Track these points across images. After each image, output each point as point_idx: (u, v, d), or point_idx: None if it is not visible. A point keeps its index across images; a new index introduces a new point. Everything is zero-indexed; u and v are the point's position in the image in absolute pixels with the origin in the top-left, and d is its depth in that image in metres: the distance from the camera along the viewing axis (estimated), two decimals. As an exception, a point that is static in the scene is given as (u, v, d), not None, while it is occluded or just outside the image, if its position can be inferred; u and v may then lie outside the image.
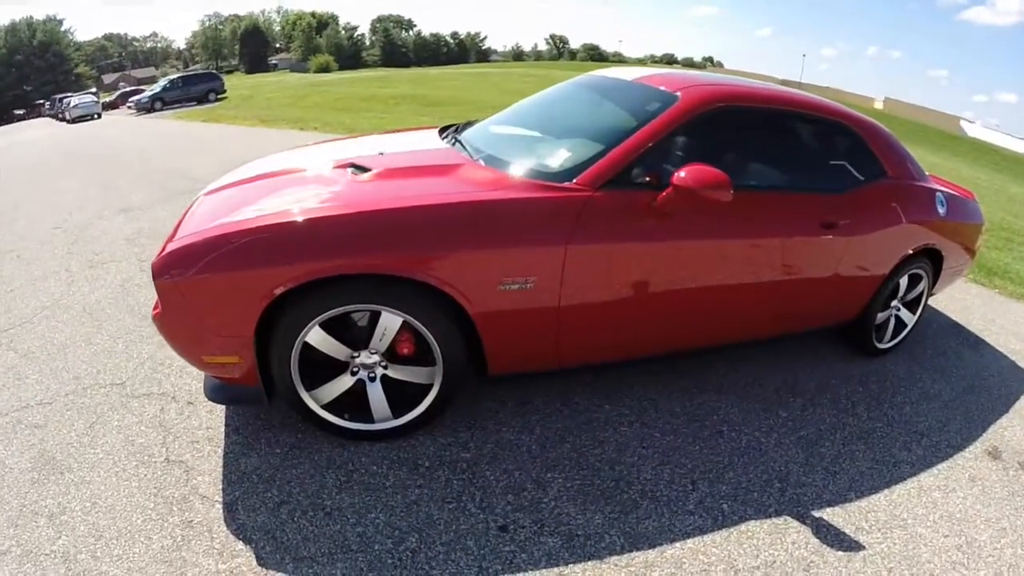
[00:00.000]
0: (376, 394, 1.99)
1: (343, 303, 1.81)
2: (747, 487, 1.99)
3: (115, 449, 2.13)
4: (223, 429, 2.22)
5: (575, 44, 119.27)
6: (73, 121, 25.17)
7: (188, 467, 2.04)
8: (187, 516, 1.81)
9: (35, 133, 20.50)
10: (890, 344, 2.95)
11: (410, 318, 1.85)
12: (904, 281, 2.80)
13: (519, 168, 2.09)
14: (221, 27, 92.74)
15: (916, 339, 3.18)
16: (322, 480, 1.94)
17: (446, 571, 1.60)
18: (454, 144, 2.45)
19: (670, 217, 2.00)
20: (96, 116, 25.90)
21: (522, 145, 2.40)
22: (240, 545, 1.70)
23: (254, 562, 1.64)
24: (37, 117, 39.56)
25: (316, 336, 1.87)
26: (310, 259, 1.73)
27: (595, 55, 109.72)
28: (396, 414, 2.04)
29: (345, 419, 2.03)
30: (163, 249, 1.88)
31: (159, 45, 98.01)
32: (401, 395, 2.03)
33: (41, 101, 43.56)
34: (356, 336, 1.93)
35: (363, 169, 2.15)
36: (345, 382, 2.00)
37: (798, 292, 2.39)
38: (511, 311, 1.88)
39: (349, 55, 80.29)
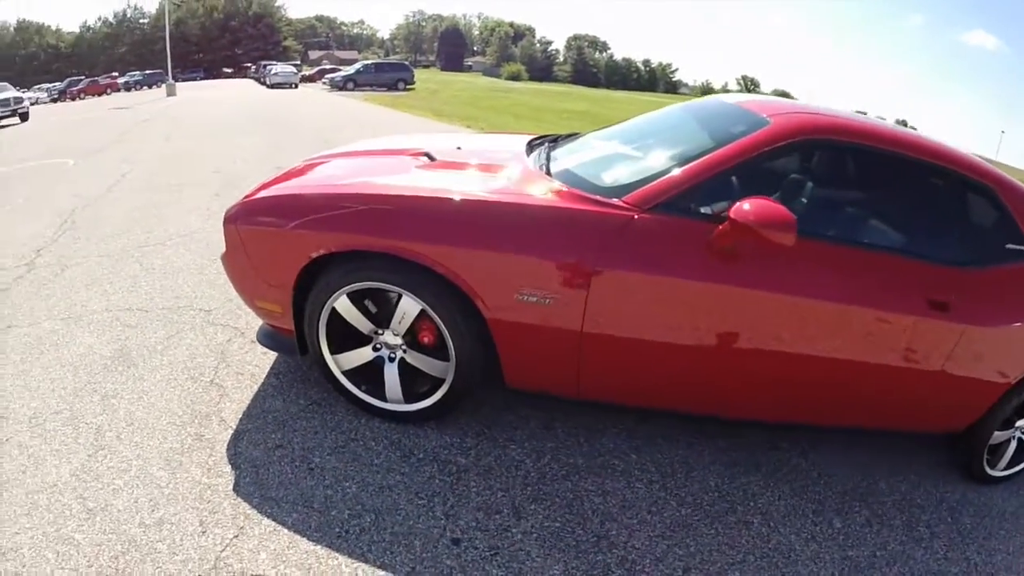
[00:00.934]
0: (391, 375, 2.03)
1: (366, 279, 1.88)
2: (750, 597, 1.70)
3: (177, 361, 2.44)
4: (267, 370, 2.42)
5: (766, 87, 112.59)
6: (272, 87, 28.00)
7: (224, 392, 2.27)
8: (201, 431, 2.05)
9: (235, 92, 24.28)
10: (1005, 473, 2.32)
11: (427, 307, 1.86)
12: None
13: (571, 177, 1.99)
14: (423, 24, 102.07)
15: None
16: (322, 439, 2.04)
17: (380, 560, 1.58)
18: (531, 149, 2.43)
19: (731, 259, 1.75)
20: (293, 86, 28.68)
21: (591, 158, 2.29)
22: (228, 468, 1.89)
23: (231, 486, 1.82)
24: (243, 78, 45.62)
25: (343, 304, 1.96)
26: (340, 231, 1.85)
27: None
28: (408, 399, 2.06)
29: (361, 390, 2.10)
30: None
31: (365, 32, 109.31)
32: (416, 383, 2.05)
33: (248, 64, 50.82)
34: (381, 315, 1.99)
35: (431, 158, 2.21)
36: (365, 354, 2.06)
37: (885, 381, 1.95)
38: (528, 325, 1.80)
39: (541, 67, 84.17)
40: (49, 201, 5.07)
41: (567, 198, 1.85)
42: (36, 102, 25.50)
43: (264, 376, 2.39)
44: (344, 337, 2.05)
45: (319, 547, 1.62)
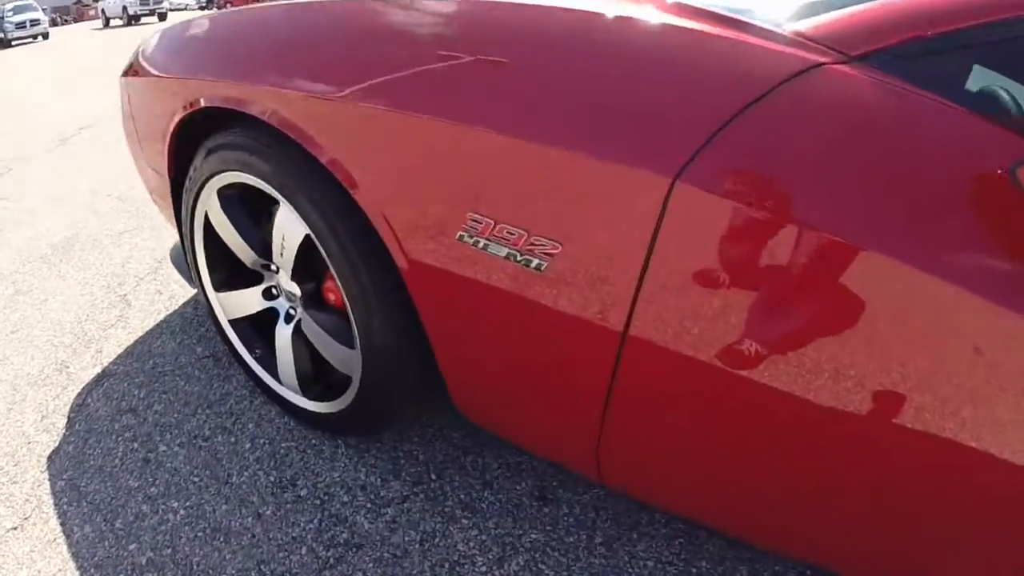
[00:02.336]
0: (283, 342, 1.15)
1: (230, 165, 1.02)
2: None
3: (109, 262, 2.01)
4: (193, 294, 1.72)
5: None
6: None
7: (125, 314, 1.75)
8: (70, 360, 1.55)
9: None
10: None
11: (311, 233, 0.93)
12: None
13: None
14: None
15: None
16: (186, 417, 1.31)
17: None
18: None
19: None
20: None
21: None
22: (62, 424, 1.37)
23: (48, 451, 1.30)
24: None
25: (215, 211, 1.12)
26: (194, 72, 1.07)
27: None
28: (305, 390, 1.17)
29: (254, 354, 1.27)
30: None
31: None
32: (325, 368, 1.15)
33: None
34: (266, 239, 1.10)
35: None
36: (252, 300, 1.21)
37: None
38: (488, 297, 0.77)
39: None
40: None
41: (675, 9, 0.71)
42: None
43: (184, 301, 1.68)
44: (233, 269, 1.22)
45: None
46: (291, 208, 0.94)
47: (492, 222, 0.71)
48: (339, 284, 0.92)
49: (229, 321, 1.26)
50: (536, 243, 0.68)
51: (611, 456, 0.78)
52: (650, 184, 0.59)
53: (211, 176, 1.10)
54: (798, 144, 0.57)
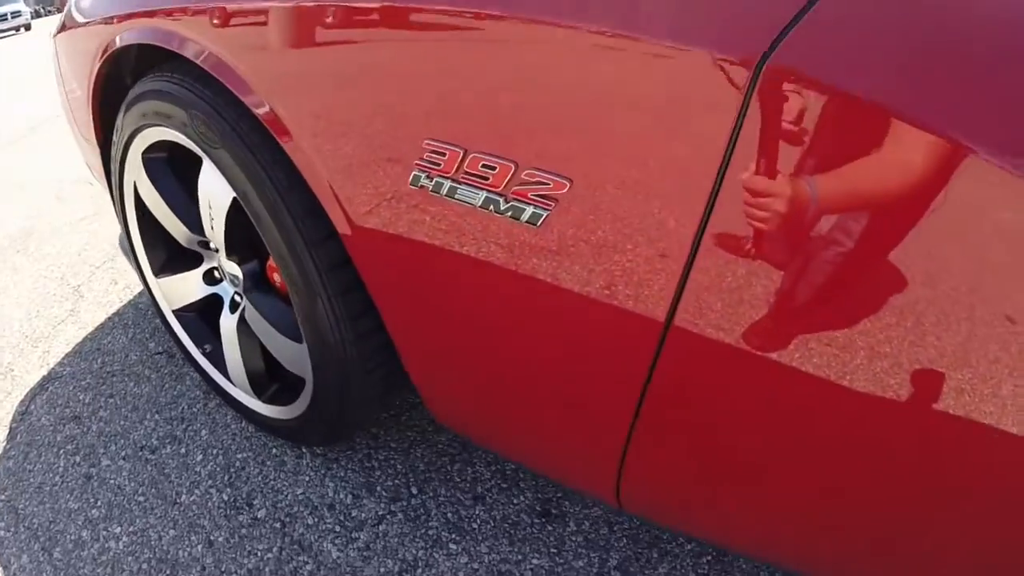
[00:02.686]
0: (228, 333, 0.96)
1: (145, 119, 0.84)
2: None
3: (65, 252, 1.82)
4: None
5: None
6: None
7: (77, 308, 1.56)
8: (16, 362, 1.37)
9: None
10: None
11: (238, 196, 0.73)
12: None
13: None
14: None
15: None
16: (132, 425, 1.14)
17: None
18: None
19: None
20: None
21: None
22: (2, 435, 1.19)
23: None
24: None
25: (144, 182, 0.93)
26: (116, 10, 0.85)
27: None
28: (258, 391, 0.98)
29: (203, 350, 1.08)
30: None
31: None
32: (273, 371, 0.96)
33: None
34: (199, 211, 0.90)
35: None
36: (194, 286, 1.02)
37: None
38: (460, 268, 0.56)
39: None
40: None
41: None
42: None
43: (139, 291, 1.50)
44: (172, 250, 1.03)
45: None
46: (212, 164, 0.74)
47: (460, 151, 0.50)
48: (271, 252, 0.73)
49: (173, 311, 1.07)
50: (529, 180, 0.47)
51: (637, 478, 0.57)
52: (730, 69, 0.37)
53: (133, 136, 0.90)
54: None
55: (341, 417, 0.82)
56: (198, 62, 0.70)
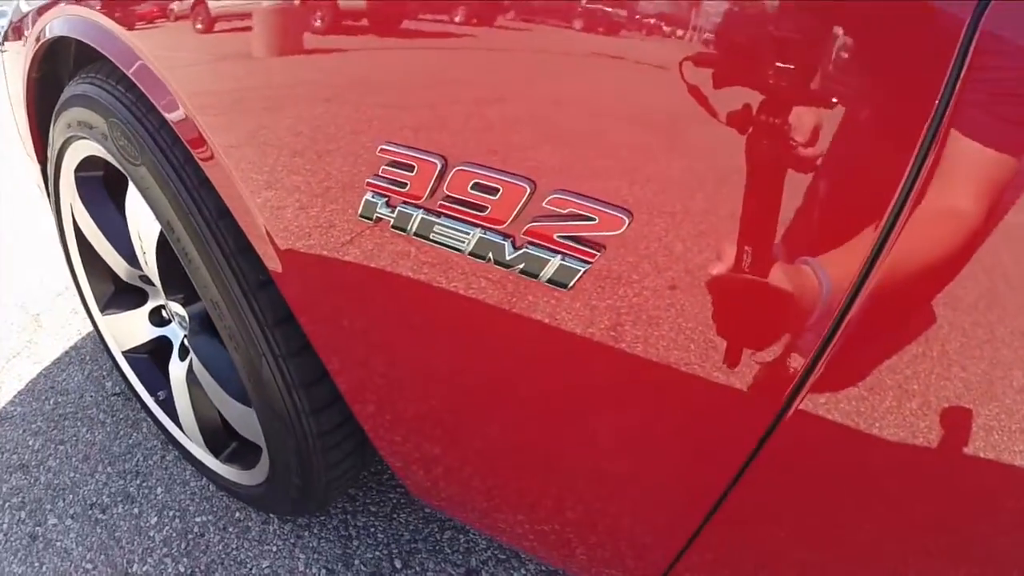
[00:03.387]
0: (178, 383, 0.82)
1: (71, 129, 0.71)
2: None
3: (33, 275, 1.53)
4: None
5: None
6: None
7: (35, 338, 1.39)
8: None
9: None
10: None
11: (162, 226, 0.59)
12: None
13: None
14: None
15: None
16: (83, 479, 1.00)
17: None
18: None
19: None
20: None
21: None
22: None
23: None
24: None
25: (77, 205, 0.80)
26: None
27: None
28: (214, 449, 0.84)
29: (157, 397, 0.94)
30: None
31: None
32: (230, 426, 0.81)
33: None
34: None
35: None
36: (141, 327, 0.88)
37: None
38: (438, 343, 0.41)
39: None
40: None
41: None
42: None
43: (105, 320, 1.36)
44: (119, 284, 0.90)
45: None
46: (134, 184, 0.60)
47: (438, 163, 0.35)
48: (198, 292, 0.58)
49: (123, 353, 0.93)
50: (557, 213, 0.31)
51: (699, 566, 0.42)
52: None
53: (63, 150, 0.76)
54: None
55: (305, 493, 0.68)
56: (111, 58, 0.57)
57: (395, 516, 0.86)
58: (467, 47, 0.32)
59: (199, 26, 0.47)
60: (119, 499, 0.95)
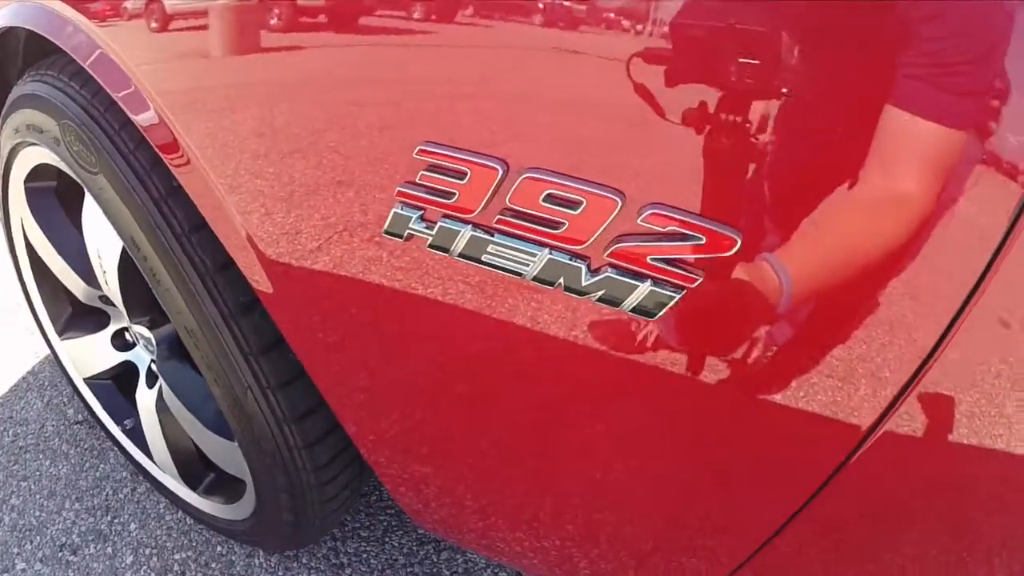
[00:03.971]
0: (147, 412, 0.76)
1: (20, 134, 0.64)
2: None
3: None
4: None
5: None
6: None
7: None
8: None
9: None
10: None
11: (125, 243, 0.54)
12: None
13: None
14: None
15: None
16: (50, 519, 0.90)
17: None
18: None
19: None
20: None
21: None
22: None
23: None
24: None
25: (30, 223, 0.73)
26: None
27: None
28: (188, 481, 0.78)
29: (123, 426, 0.88)
30: None
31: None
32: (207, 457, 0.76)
33: None
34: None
35: None
36: (103, 352, 0.82)
37: None
38: (488, 383, 0.36)
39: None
40: None
41: None
42: None
43: (65, 342, 1.28)
44: (78, 305, 0.83)
45: None
46: (91, 194, 0.55)
47: (499, 169, 0.29)
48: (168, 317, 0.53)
49: (84, 380, 0.87)
50: (653, 231, 0.27)
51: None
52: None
53: (11, 158, 0.69)
54: None
55: (298, 528, 0.63)
56: (67, 49, 0.51)
57: (387, 539, 0.82)
58: (548, 36, 0.28)
59: (155, 23, 0.42)
60: (90, 538, 0.89)
